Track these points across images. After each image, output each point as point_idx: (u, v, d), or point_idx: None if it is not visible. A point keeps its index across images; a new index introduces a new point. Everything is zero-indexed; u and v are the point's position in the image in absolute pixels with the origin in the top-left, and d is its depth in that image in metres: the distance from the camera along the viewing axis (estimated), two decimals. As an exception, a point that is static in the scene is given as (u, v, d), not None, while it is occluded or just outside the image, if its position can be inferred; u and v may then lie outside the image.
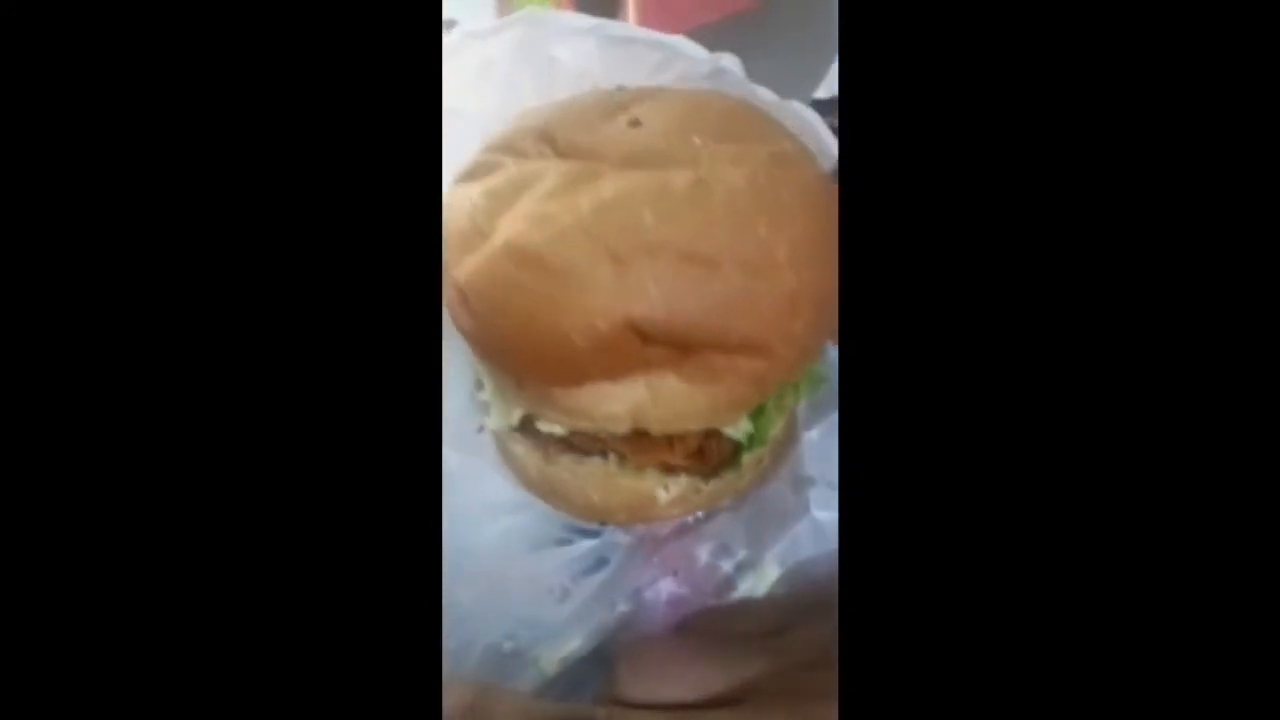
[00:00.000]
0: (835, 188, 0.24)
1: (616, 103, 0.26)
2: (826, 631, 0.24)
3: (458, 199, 0.24)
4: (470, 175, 0.26)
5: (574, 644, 0.27)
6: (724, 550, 0.29)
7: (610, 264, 0.20)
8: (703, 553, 0.29)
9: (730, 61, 0.33)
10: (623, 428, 0.24)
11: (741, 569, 0.28)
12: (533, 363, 0.22)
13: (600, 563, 0.30)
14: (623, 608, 0.28)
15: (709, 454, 0.25)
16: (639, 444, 0.24)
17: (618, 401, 0.23)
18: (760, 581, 0.28)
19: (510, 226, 0.22)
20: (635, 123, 0.25)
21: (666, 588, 0.28)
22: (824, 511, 0.29)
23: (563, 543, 0.31)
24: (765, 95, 0.33)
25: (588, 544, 0.30)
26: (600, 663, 0.27)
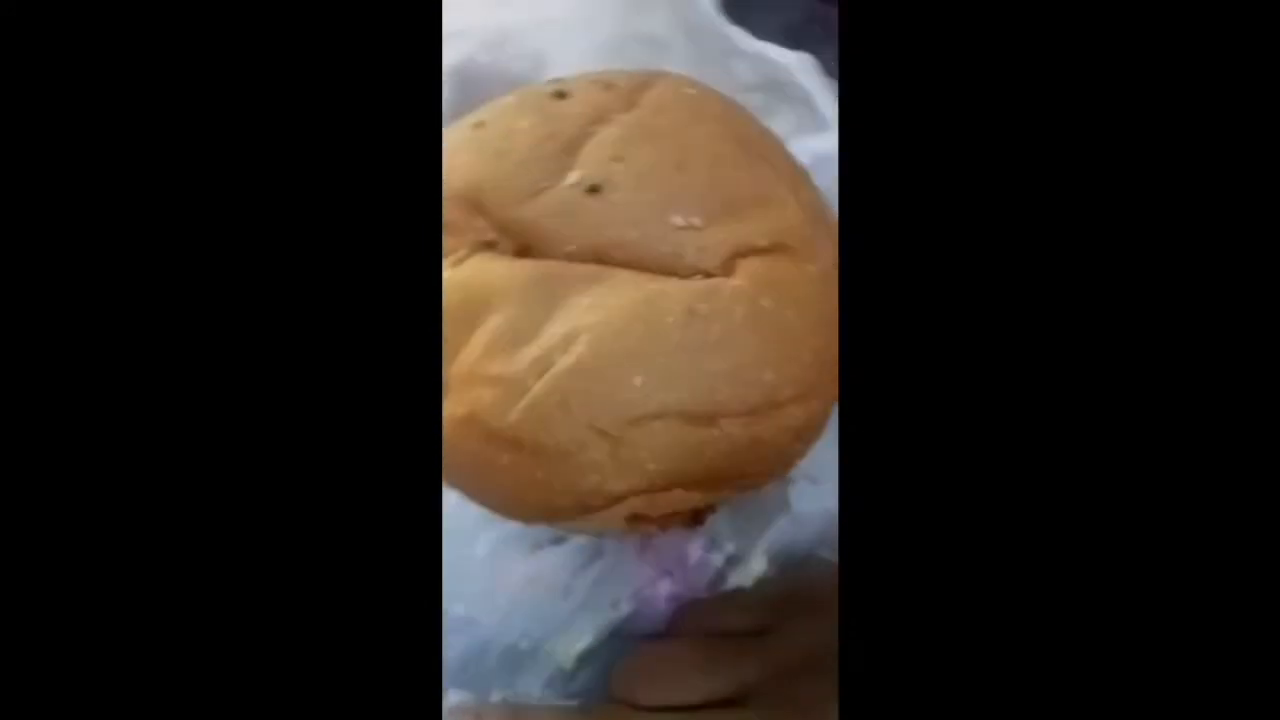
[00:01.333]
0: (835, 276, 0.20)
1: (562, 139, 0.20)
2: (812, 634, 0.27)
3: None
4: None
5: (586, 639, 0.30)
6: (713, 545, 0.30)
7: (599, 441, 0.18)
8: (694, 550, 0.30)
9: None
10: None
11: (731, 562, 0.30)
12: (523, 518, 0.20)
13: (595, 555, 0.32)
14: (626, 608, 0.30)
15: (701, 514, 0.25)
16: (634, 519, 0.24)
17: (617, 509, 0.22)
18: (747, 575, 0.30)
19: (472, 388, 0.18)
20: (594, 189, 0.19)
21: (665, 588, 0.30)
22: (804, 505, 0.30)
23: (559, 541, 0.32)
24: (750, 45, 0.25)
25: (582, 539, 0.32)
26: (613, 660, 0.30)
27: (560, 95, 0.21)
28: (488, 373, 0.18)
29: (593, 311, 0.18)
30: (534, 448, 0.18)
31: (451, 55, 0.29)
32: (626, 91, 0.21)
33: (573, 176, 0.19)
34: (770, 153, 0.21)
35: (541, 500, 0.19)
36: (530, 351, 0.18)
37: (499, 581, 0.31)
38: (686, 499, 0.21)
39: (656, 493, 0.19)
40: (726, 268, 0.19)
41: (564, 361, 0.18)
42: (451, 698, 0.29)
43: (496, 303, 0.18)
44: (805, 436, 0.20)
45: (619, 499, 0.19)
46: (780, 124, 0.30)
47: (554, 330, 0.18)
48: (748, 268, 0.19)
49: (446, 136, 0.21)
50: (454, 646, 0.29)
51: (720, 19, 0.28)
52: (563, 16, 0.30)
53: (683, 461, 0.19)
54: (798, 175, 0.21)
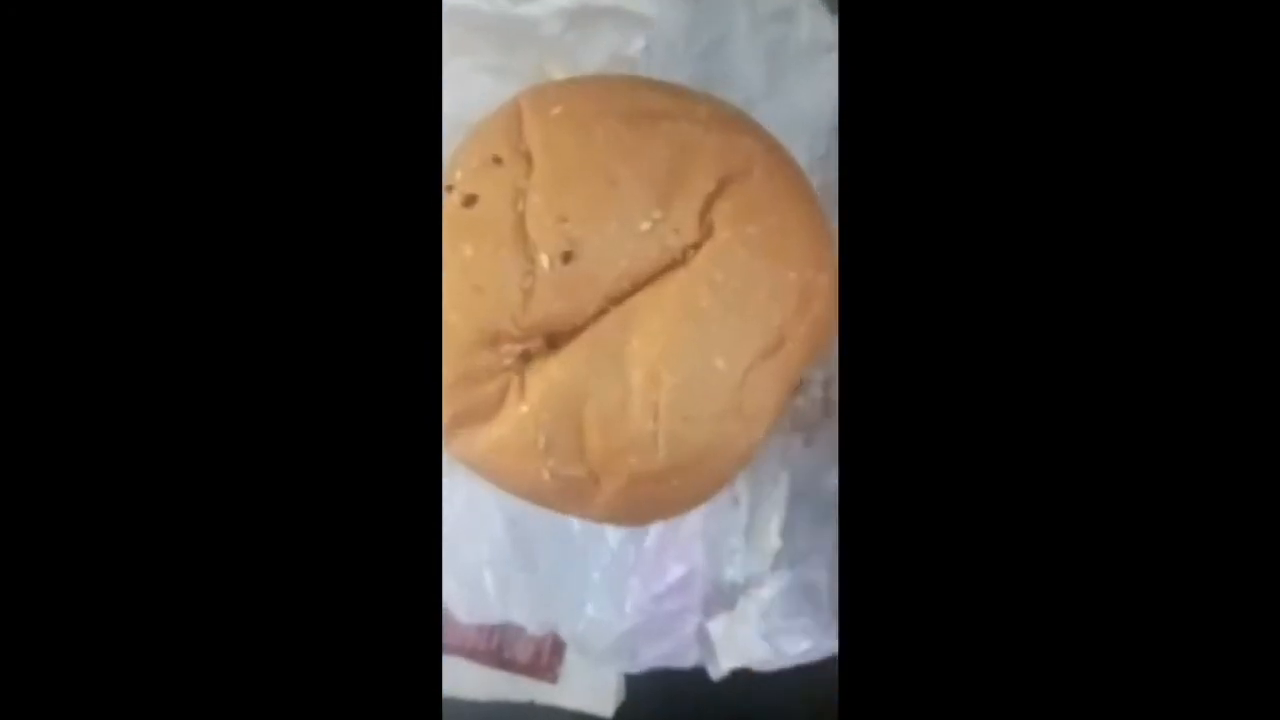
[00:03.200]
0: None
1: (507, 239, 0.21)
2: None
3: (500, 448, 0.22)
4: (465, 417, 0.23)
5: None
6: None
7: (730, 419, 0.21)
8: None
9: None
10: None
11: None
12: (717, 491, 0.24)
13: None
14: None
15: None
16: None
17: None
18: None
19: (617, 461, 0.21)
20: (567, 256, 0.21)
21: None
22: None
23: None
24: None
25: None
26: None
27: (470, 201, 0.22)
28: (619, 445, 0.21)
29: (648, 344, 0.20)
30: (692, 461, 0.21)
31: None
32: (512, 154, 0.22)
33: (544, 261, 0.21)
34: (657, 102, 0.22)
35: (726, 478, 0.22)
36: (635, 406, 0.21)
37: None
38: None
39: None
40: (706, 228, 0.21)
41: (663, 396, 0.20)
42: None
43: (578, 396, 0.21)
44: (833, 295, 0.23)
45: (766, 433, 0.22)
46: (607, 40, 0.30)
47: (635, 380, 0.21)
48: (720, 215, 0.21)
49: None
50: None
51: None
52: None
53: (784, 379, 0.22)
54: (684, 103, 0.22)
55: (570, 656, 0.41)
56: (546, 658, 0.39)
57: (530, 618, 0.32)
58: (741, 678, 0.32)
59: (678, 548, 0.32)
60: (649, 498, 0.22)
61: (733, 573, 0.33)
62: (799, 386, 0.29)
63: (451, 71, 0.32)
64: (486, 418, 0.22)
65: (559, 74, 0.30)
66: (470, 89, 0.31)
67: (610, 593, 0.32)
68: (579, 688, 0.41)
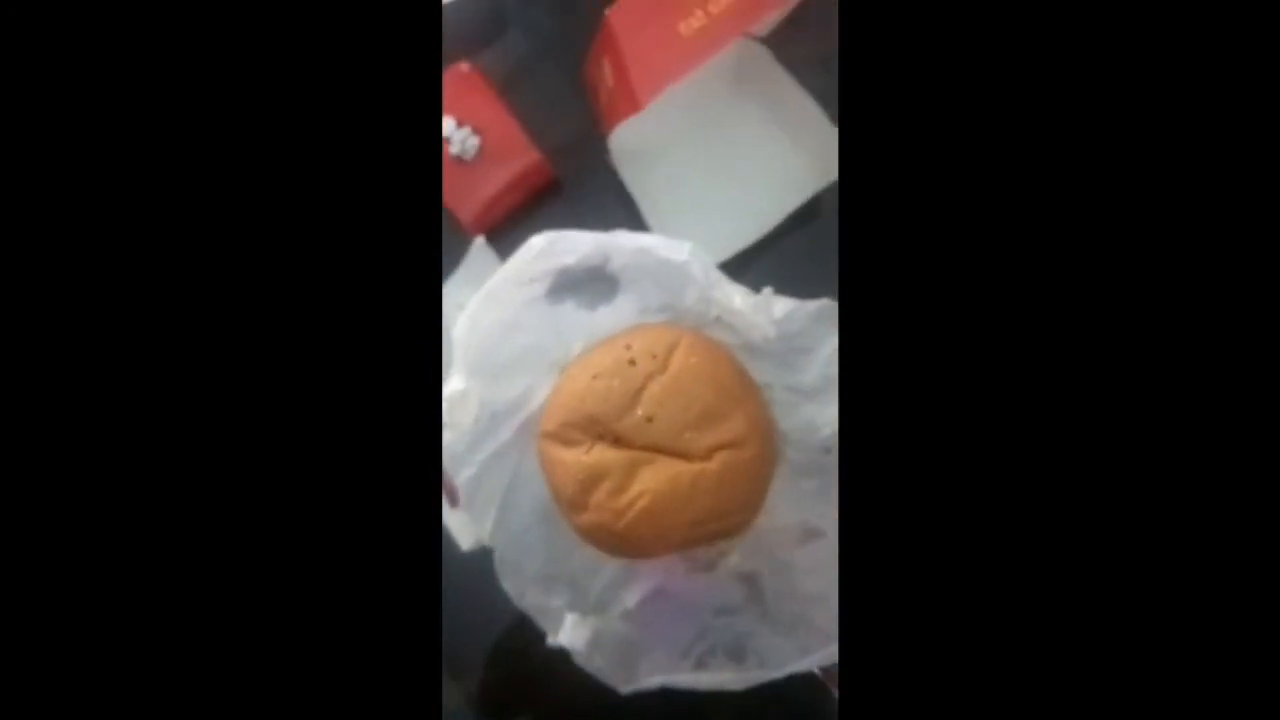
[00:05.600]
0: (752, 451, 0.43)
1: (633, 391, 0.43)
2: None
3: (564, 465, 0.43)
4: (561, 441, 0.44)
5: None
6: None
7: (659, 539, 0.42)
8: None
9: (696, 261, 0.46)
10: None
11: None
12: (617, 555, 0.45)
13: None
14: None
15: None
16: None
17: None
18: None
19: (600, 512, 0.42)
20: (650, 419, 0.42)
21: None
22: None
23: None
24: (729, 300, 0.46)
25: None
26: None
27: (631, 363, 0.43)
28: (606, 506, 0.42)
29: (651, 480, 0.42)
30: (629, 540, 0.42)
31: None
32: (663, 359, 0.44)
33: (640, 411, 0.42)
34: (735, 387, 0.43)
35: (634, 554, 0.43)
36: (625, 499, 0.42)
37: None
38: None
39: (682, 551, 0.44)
40: (708, 455, 0.43)
41: (640, 504, 0.42)
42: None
43: (609, 472, 0.42)
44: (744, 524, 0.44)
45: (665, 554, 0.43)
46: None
47: (635, 489, 0.42)
48: (720, 457, 0.42)
49: (575, 379, 0.44)
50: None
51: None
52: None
53: (690, 540, 0.43)
54: (747, 394, 0.44)
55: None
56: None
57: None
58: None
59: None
60: (598, 541, 0.43)
61: (598, 597, 0.53)
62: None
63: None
64: (567, 444, 0.44)
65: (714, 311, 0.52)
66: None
67: (541, 547, 0.52)
68: (459, 521, 0.56)
